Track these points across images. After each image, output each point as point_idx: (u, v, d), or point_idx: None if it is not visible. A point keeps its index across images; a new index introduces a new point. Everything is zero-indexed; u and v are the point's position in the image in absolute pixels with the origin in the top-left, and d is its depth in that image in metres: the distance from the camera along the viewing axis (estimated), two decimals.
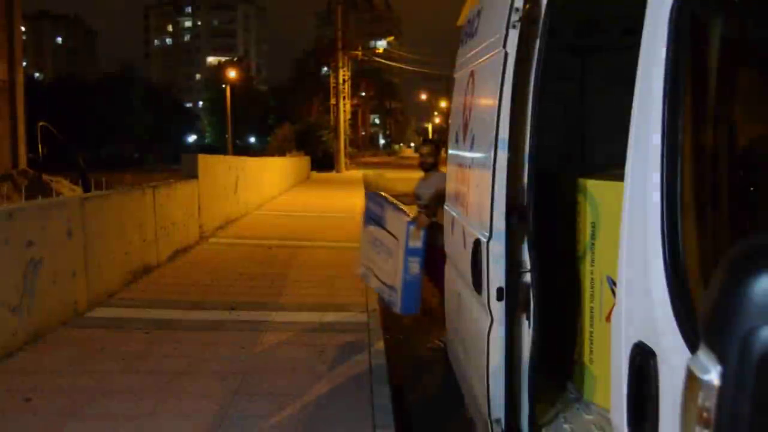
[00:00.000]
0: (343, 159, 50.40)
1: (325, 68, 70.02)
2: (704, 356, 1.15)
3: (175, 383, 5.70)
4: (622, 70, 2.66)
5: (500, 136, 3.44)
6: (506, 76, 3.40)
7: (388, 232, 6.68)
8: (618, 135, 2.34)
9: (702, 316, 1.19)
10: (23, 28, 36.79)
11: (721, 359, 1.11)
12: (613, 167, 3.80)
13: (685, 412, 1.24)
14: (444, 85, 72.87)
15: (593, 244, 3.96)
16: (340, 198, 25.20)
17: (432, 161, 7.45)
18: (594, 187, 3.92)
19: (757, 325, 1.05)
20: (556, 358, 4.26)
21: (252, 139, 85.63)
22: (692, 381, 1.19)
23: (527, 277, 3.46)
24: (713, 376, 1.13)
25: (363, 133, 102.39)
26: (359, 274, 7.51)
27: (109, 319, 7.79)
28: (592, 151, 5.55)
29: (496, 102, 3.47)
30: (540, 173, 3.50)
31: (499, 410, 3.47)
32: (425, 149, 7.65)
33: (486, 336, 3.48)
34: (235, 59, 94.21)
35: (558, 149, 5.46)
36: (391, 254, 6.59)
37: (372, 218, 7.10)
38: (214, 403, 5.28)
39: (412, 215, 6.56)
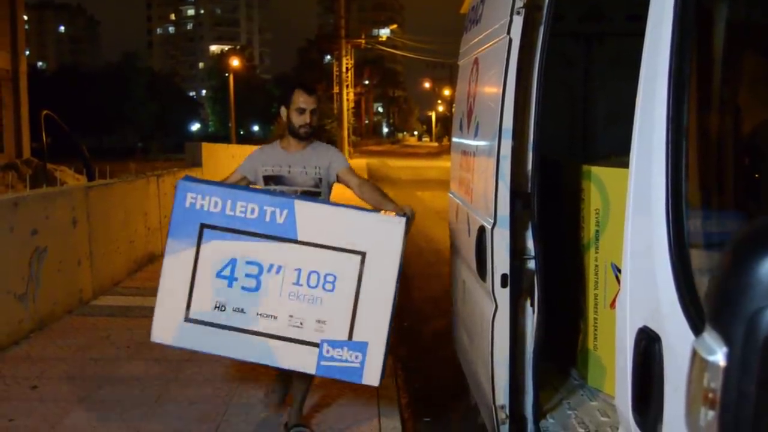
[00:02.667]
0: (346, 147, 50.33)
1: (328, 57, 69.95)
2: (710, 337, 1.16)
3: (181, 370, 5.73)
4: (626, 56, 2.66)
5: (504, 123, 3.44)
6: (510, 62, 3.39)
7: (316, 246, 3.61)
8: (623, 121, 2.34)
9: (708, 297, 1.19)
10: (26, 18, 36.76)
11: (727, 340, 1.11)
12: (616, 154, 3.81)
13: (691, 394, 1.25)
14: (448, 73, 72.58)
15: (597, 231, 3.97)
16: (342, 186, 25.10)
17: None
18: (603, 173, 3.92)
19: (764, 306, 1.05)
20: (561, 344, 4.27)
21: (255, 128, 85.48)
22: (698, 362, 1.20)
23: (531, 264, 3.47)
24: (719, 357, 1.13)
25: (366, 122, 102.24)
26: (163, 340, 3.83)
27: (114, 307, 7.82)
28: (596, 138, 5.55)
29: (500, 89, 3.46)
30: (544, 160, 3.50)
31: (503, 396, 3.48)
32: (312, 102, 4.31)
33: (490, 323, 3.48)
34: (238, 48, 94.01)
35: (562, 136, 5.46)
36: (330, 287, 3.61)
37: (234, 228, 3.66)
38: (220, 390, 5.31)
39: (389, 210, 3.89)
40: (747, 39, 2.14)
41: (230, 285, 3.65)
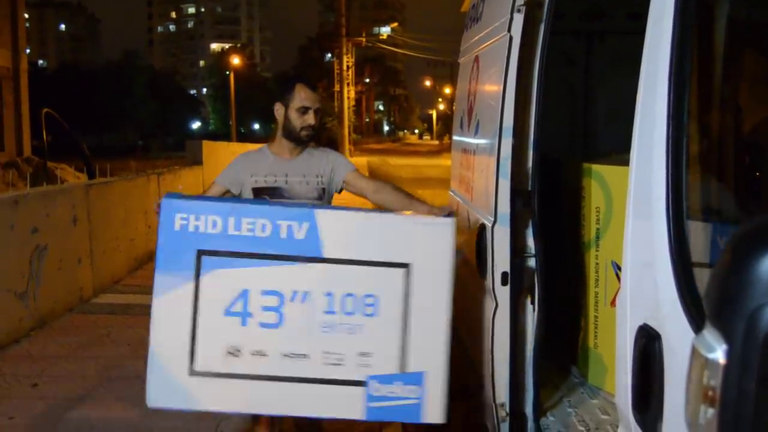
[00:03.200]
0: (347, 145, 50.32)
1: (329, 55, 69.85)
2: (710, 335, 1.16)
3: None
4: (627, 54, 2.66)
5: (505, 121, 3.43)
6: (511, 60, 3.39)
7: (348, 262, 2.96)
8: (624, 119, 2.34)
9: (708, 294, 1.19)
10: (26, 16, 36.77)
11: (727, 337, 1.11)
12: (616, 152, 3.81)
13: (690, 392, 1.24)
14: (449, 71, 72.66)
15: (598, 229, 3.96)
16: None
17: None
18: (606, 171, 3.91)
19: (764, 303, 1.05)
20: (561, 342, 4.27)
21: (256, 126, 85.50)
22: (697, 360, 1.20)
23: (532, 262, 3.47)
24: (719, 354, 1.13)
25: (367, 120, 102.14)
26: (164, 404, 3.17)
27: (114, 305, 7.83)
28: (597, 136, 5.54)
29: (501, 87, 3.46)
30: (544, 158, 3.50)
31: (504, 394, 3.49)
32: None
33: (491, 321, 3.48)
34: (239, 46, 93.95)
35: (563, 134, 5.46)
36: (372, 310, 2.97)
37: (241, 252, 2.96)
38: None
39: (422, 211, 3.21)
40: (747, 37, 2.13)
41: (244, 323, 2.93)
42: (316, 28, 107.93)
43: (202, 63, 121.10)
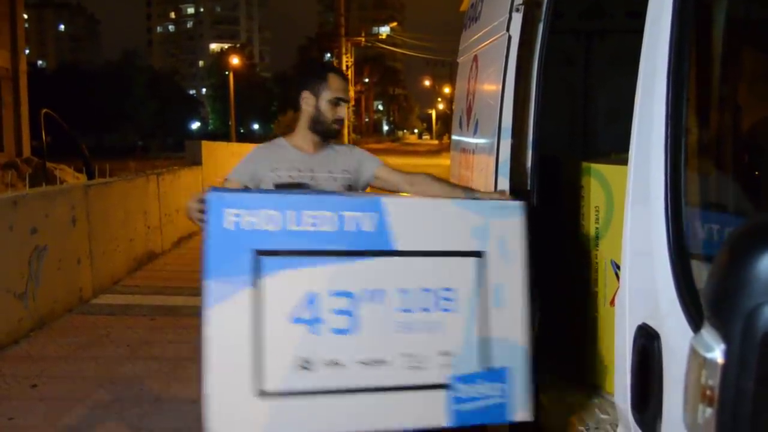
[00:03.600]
0: None
1: (329, 55, 69.89)
2: (708, 334, 1.15)
3: (181, 369, 5.72)
4: (627, 53, 2.65)
5: (503, 121, 3.43)
6: (510, 60, 3.38)
7: (420, 254, 2.74)
8: (623, 118, 2.34)
9: (706, 294, 1.19)
10: (25, 16, 36.75)
11: (725, 337, 1.11)
12: (616, 151, 3.81)
13: (689, 391, 1.24)
14: (448, 71, 72.63)
15: (597, 228, 3.96)
16: None
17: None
18: (606, 170, 3.91)
19: (761, 303, 1.05)
20: (561, 342, 4.27)
21: (255, 126, 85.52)
22: (696, 359, 1.19)
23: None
24: (717, 354, 1.13)
25: (366, 120, 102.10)
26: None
27: (114, 305, 7.82)
28: (596, 135, 5.54)
29: (500, 86, 3.45)
30: (544, 157, 3.50)
31: None
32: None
33: None
34: (238, 46, 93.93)
35: (562, 133, 5.46)
36: (449, 305, 2.73)
37: (305, 250, 2.63)
38: None
39: (491, 193, 3.19)
40: (745, 35, 2.13)
41: (315, 330, 2.59)
42: (315, 27, 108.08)
43: (201, 63, 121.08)
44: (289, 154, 3.22)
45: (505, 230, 2.74)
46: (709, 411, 1.17)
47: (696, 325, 1.48)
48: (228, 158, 16.77)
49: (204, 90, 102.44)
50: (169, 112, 75.17)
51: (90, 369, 5.74)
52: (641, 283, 1.83)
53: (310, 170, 3.18)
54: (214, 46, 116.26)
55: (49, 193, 7.73)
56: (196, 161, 13.84)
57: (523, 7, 3.33)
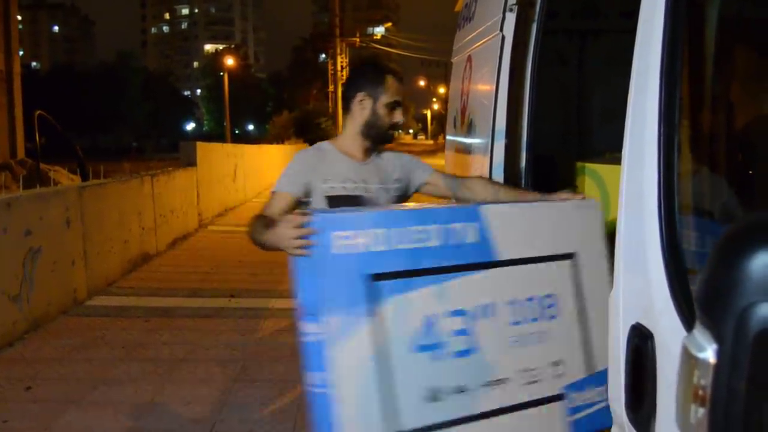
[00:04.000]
0: None
1: (323, 55, 69.85)
2: (700, 334, 1.15)
3: (175, 370, 5.71)
4: (621, 53, 2.65)
5: (497, 121, 3.43)
6: (503, 60, 3.38)
7: (521, 262, 2.58)
8: (618, 118, 2.33)
9: (698, 294, 1.19)
10: (19, 18, 36.65)
11: (717, 337, 1.11)
12: (611, 151, 3.81)
13: (681, 391, 1.24)
14: (443, 71, 72.59)
15: None
16: None
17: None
18: (602, 170, 3.91)
19: (753, 302, 1.05)
20: None
21: (250, 127, 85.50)
22: (688, 359, 1.19)
23: None
24: (709, 354, 1.12)
25: None
26: None
27: (108, 307, 7.80)
28: (591, 135, 5.55)
29: (494, 86, 3.45)
30: (538, 157, 3.50)
31: None
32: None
33: None
34: (233, 47, 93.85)
35: (556, 133, 5.46)
36: (554, 311, 2.63)
37: (415, 269, 2.37)
38: (215, 390, 5.29)
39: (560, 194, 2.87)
40: (739, 34, 2.13)
41: (437, 356, 2.35)
42: (310, 28, 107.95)
43: (195, 64, 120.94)
44: (339, 162, 2.96)
45: (588, 228, 2.69)
46: (701, 411, 1.16)
47: (689, 324, 1.48)
48: (223, 159, 16.75)
49: (199, 91, 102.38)
50: (164, 113, 75.19)
51: (84, 371, 5.72)
52: (635, 282, 1.82)
53: (363, 181, 2.94)
54: (209, 47, 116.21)
55: (43, 195, 7.70)
56: (190, 162, 13.80)
57: (516, 7, 3.33)
